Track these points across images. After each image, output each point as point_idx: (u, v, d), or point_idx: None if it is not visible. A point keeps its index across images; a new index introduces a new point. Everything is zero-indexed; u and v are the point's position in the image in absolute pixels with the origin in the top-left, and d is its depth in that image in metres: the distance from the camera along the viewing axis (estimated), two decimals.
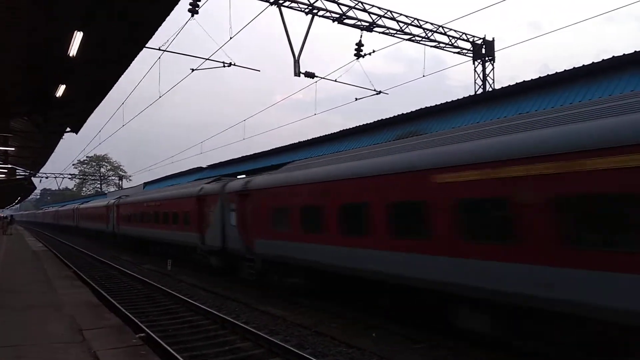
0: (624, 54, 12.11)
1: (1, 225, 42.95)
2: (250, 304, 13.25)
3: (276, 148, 27.93)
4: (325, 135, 23.53)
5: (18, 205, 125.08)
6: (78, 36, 9.61)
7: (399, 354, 8.68)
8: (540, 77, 13.59)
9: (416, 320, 10.04)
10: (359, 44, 19.59)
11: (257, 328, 10.36)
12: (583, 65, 12.80)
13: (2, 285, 12.20)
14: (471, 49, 22.53)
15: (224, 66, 16.63)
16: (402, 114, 18.64)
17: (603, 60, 12.41)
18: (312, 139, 24.66)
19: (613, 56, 12.30)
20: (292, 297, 13.82)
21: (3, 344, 6.76)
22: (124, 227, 33.60)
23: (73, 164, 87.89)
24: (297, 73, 17.52)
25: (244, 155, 31.61)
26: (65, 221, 61.81)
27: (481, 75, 22.34)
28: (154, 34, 10.55)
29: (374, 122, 20.18)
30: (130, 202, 32.54)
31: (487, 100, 15.44)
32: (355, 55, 19.56)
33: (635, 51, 11.92)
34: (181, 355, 8.13)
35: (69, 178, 75.71)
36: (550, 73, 13.52)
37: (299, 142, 25.77)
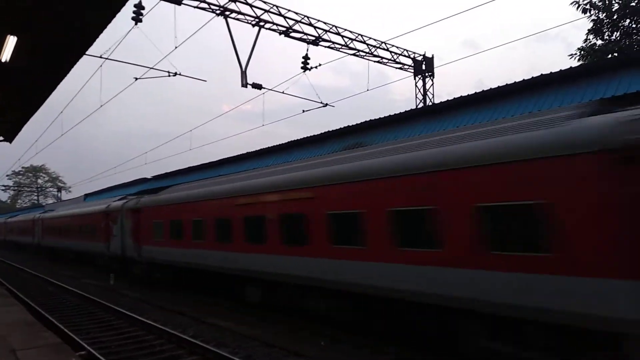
0: (551, 72, 13.08)
1: None
2: (198, 318, 13.03)
3: (222, 159, 27.67)
4: (273, 146, 23.60)
5: None
6: (11, 40, 9.19)
7: None
8: (476, 92, 14.40)
9: (361, 328, 10.28)
10: (306, 57, 19.90)
11: (205, 341, 10.23)
12: (515, 82, 13.70)
13: None
14: (412, 65, 23.42)
15: (169, 75, 16.40)
16: (348, 126, 19.06)
17: (532, 77, 13.36)
18: (260, 149, 24.65)
19: (541, 74, 13.26)
20: (240, 308, 13.79)
21: None
22: (47, 239, 37.41)
23: (7, 175, 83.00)
24: (245, 84, 17.55)
25: (190, 166, 31.05)
26: (17, 236, 56.68)
27: (422, 90, 23.26)
28: (94, 41, 10.26)
29: (321, 133, 20.50)
30: (52, 217, 37.09)
31: (427, 113, 16.13)
32: (302, 68, 19.85)
33: (560, 69, 12.96)
34: None
35: (2, 190, 71.40)
36: (485, 89, 14.37)
37: (247, 153, 25.67)
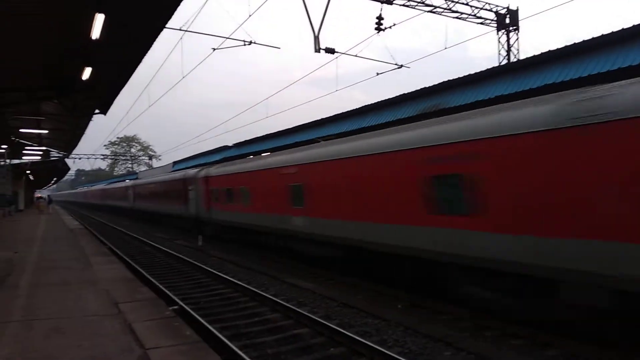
0: None
1: (40, 205, 44.64)
2: (279, 277, 13.60)
3: (297, 126, 27.94)
4: (348, 111, 23.38)
5: (55, 186, 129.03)
6: (99, 18, 9.72)
7: (424, 324, 8.83)
8: (566, 45, 13.17)
9: (441, 294, 10.16)
10: (379, 18, 19.25)
11: (286, 300, 10.67)
12: (605, 33, 12.31)
13: (41, 263, 12.79)
14: (495, 19, 21.88)
15: (244, 44, 16.65)
16: (424, 87, 18.33)
17: (623, 29, 11.92)
18: (334, 115, 24.54)
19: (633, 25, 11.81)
20: (319, 270, 14.19)
21: (42, 317, 7.15)
22: (139, 204, 41.64)
23: (104, 145, 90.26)
24: (318, 49, 17.39)
25: (268, 133, 31.74)
26: (115, 201, 56.05)
27: (505, 46, 21.74)
28: (173, 13, 10.61)
29: (396, 96, 19.92)
30: (142, 184, 41.93)
31: (510, 70, 15.05)
32: (375, 29, 19.26)
33: None
34: (213, 326, 8.47)
35: (101, 158, 77.69)
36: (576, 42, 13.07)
37: (321, 119, 25.69)
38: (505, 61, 21.26)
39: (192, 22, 15.58)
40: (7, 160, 37.03)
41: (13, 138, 30.15)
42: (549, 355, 7.28)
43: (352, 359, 7.31)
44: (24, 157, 40.78)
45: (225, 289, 12.40)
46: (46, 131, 26.82)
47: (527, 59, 14.81)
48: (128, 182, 49.18)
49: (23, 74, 15.19)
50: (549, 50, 13.64)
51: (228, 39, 16.37)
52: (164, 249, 20.26)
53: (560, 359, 7.19)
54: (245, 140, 35.47)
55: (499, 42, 21.99)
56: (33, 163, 43.84)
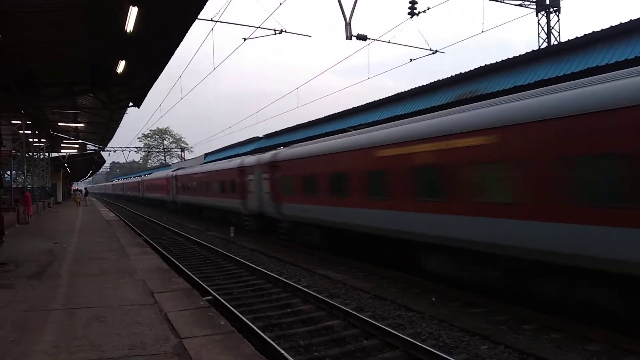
0: None
1: (77, 197, 46.06)
2: (310, 269, 13.57)
3: (329, 115, 27.78)
4: (381, 99, 23.07)
5: (91, 178, 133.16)
6: (133, 11, 9.80)
7: (459, 317, 8.63)
8: (611, 26, 12.51)
9: (476, 287, 9.90)
10: (413, 2, 18.80)
11: (318, 291, 10.63)
12: None
13: (80, 253, 13.15)
14: (534, 0, 21.07)
15: (275, 33, 16.55)
16: (459, 73, 17.85)
17: None
18: (367, 103, 24.27)
19: None
20: (349, 260, 14.06)
21: (82, 306, 7.35)
22: (182, 196, 37.55)
23: (138, 138, 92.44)
24: (349, 36, 17.13)
25: (299, 123, 31.74)
26: (152, 193, 51.61)
27: (545, 29, 20.91)
28: (205, 4, 10.61)
29: (431, 83, 19.50)
30: (186, 174, 36.19)
31: (551, 54, 14.44)
32: (409, 14, 18.82)
33: None
34: (246, 317, 8.51)
35: (135, 151, 79.41)
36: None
37: (354, 108, 25.47)
38: (545, 45, 20.46)
39: (223, 12, 15.56)
40: (47, 154, 38.25)
41: (52, 132, 31.12)
42: (590, 350, 7.00)
43: (385, 351, 7.19)
44: (61, 151, 42.14)
45: (257, 280, 12.46)
46: (82, 124, 27.55)
47: (569, 41, 14.17)
48: (169, 173, 43.68)
49: (60, 68, 15.55)
50: (592, 32, 13.01)
51: (259, 29, 16.30)
52: (197, 240, 20.55)
53: (602, 352, 6.90)
54: (276, 131, 35.61)
55: (539, 24, 21.17)
56: (70, 156, 45.22)
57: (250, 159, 22.76)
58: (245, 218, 22.96)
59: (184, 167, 43.77)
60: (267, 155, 20.29)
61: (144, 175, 66.74)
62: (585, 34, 13.25)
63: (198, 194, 32.57)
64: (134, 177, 79.82)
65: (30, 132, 28.50)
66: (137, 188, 63.91)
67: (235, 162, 24.96)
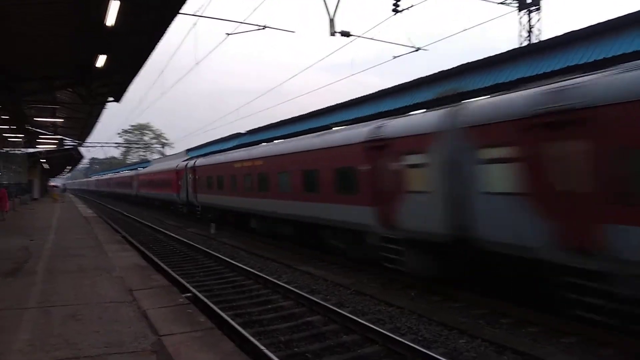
0: None
1: (54, 193, 45.28)
2: (292, 265, 13.57)
3: (311, 112, 27.68)
4: (362, 96, 23.08)
5: (70, 174, 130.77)
6: (114, 5, 9.63)
7: (438, 312, 8.74)
8: (589, 25, 12.72)
9: (454, 281, 10.02)
10: None
11: (299, 287, 10.63)
12: (632, 12, 11.82)
13: (57, 250, 12.91)
14: None
15: (259, 29, 16.42)
16: (441, 71, 17.95)
17: None
18: (349, 100, 24.26)
19: None
20: (331, 257, 14.11)
21: (59, 304, 7.21)
22: (141, 191, 46.01)
23: (117, 133, 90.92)
24: (333, 32, 17.08)
25: (281, 119, 31.57)
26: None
27: (526, 27, 21.15)
28: None
29: (412, 80, 19.57)
30: (144, 173, 44.73)
31: (531, 52, 14.62)
32: (393, 10, 18.83)
33: None
34: (226, 313, 8.47)
35: (115, 147, 78.21)
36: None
37: (335, 105, 25.43)
38: (526, 43, 20.68)
39: (206, 7, 15.42)
40: (23, 149, 37.44)
41: (28, 127, 30.42)
42: (565, 342, 7.15)
43: (365, 346, 7.24)
44: (38, 146, 41.20)
45: (237, 277, 12.40)
46: (61, 119, 27.01)
47: (549, 39, 14.36)
48: (132, 172, 51.76)
49: (39, 63, 15.20)
50: (572, 31, 13.21)
51: (242, 24, 16.15)
52: (176, 236, 20.37)
53: (576, 345, 7.08)
54: (259, 127, 35.39)
55: (520, 22, 21.39)
56: (48, 152, 44.32)
57: (182, 164, 31.56)
58: (179, 205, 32.50)
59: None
60: (191, 162, 29.47)
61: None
62: (565, 33, 13.45)
63: (152, 189, 40.29)
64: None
65: (7, 127, 27.82)
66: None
67: (173, 166, 33.70)
